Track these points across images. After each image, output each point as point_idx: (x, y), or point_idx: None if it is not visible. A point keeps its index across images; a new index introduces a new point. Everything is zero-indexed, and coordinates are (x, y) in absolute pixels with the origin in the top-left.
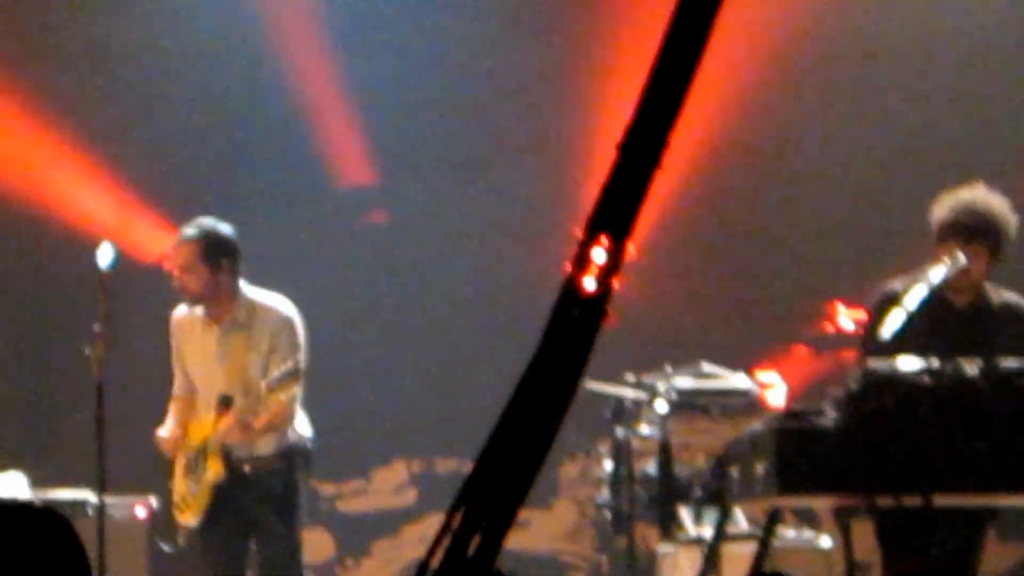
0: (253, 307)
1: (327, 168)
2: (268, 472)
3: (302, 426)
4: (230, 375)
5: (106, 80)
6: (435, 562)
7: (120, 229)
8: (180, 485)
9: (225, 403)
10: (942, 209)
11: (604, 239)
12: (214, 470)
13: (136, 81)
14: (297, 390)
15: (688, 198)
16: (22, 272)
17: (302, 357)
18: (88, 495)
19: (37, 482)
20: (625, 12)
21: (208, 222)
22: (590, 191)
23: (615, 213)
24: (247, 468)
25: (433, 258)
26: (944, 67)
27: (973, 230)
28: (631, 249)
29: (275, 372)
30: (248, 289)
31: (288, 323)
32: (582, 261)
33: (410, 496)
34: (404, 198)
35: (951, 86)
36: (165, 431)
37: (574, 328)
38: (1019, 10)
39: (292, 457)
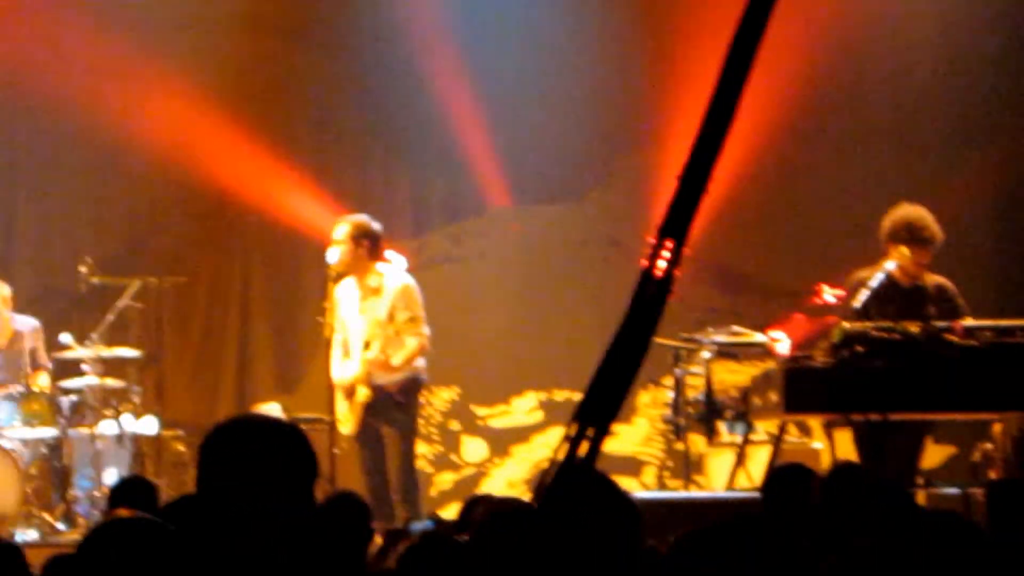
0: (382, 278)
1: (482, 191)
2: (397, 395)
3: (420, 364)
4: (369, 327)
5: (309, 120)
6: (558, 457)
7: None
8: (340, 406)
9: (368, 347)
10: (890, 222)
11: (668, 243)
12: (363, 394)
13: (331, 119)
14: (417, 337)
15: (721, 208)
16: (281, 265)
17: (419, 311)
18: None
19: (287, 408)
20: (681, 82)
21: (357, 216)
22: (658, 209)
23: (675, 225)
24: (383, 392)
25: (552, 257)
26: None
27: (912, 235)
28: (686, 250)
29: (401, 320)
30: (380, 265)
31: (406, 288)
32: (654, 257)
33: (537, 415)
34: (534, 215)
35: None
36: (332, 370)
37: (649, 302)
38: None
39: (413, 385)
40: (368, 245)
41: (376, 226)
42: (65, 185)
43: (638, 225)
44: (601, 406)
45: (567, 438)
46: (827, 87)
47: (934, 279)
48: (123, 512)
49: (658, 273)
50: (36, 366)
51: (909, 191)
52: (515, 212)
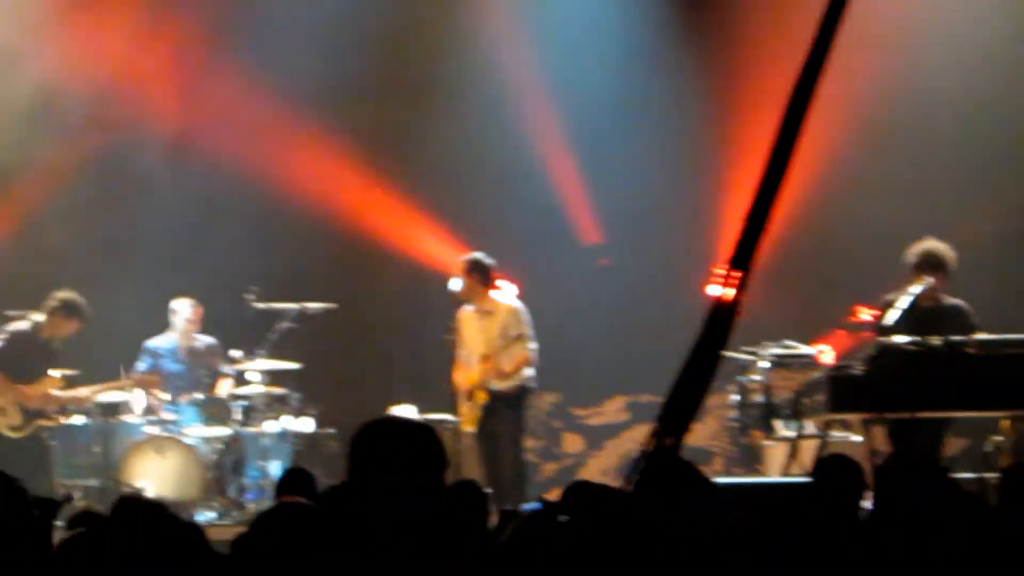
0: (495, 302)
1: (576, 230)
2: (509, 399)
3: (529, 373)
4: (485, 342)
5: (431, 173)
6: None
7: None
8: (463, 408)
9: (484, 359)
10: (915, 254)
11: (736, 273)
12: (481, 398)
13: (450, 172)
14: (526, 350)
15: (776, 244)
16: (412, 293)
17: (526, 330)
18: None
19: (419, 410)
20: (743, 140)
21: (472, 253)
22: (727, 243)
23: (742, 258)
24: (498, 396)
25: (639, 283)
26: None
27: (933, 265)
28: (749, 278)
29: (511, 336)
30: (493, 292)
31: (514, 311)
32: (725, 283)
33: (626, 415)
34: (620, 248)
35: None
36: (455, 377)
37: (720, 321)
38: None
39: (522, 391)
40: (480, 276)
41: (488, 260)
42: (235, 228)
43: (700, 257)
44: (681, 407)
45: (653, 434)
46: (862, 140)
47: (951, 301)
48: (288, 499)
49: (727, 298)
50: (217, 377)
51: (929, 228)
52: (604, 248)
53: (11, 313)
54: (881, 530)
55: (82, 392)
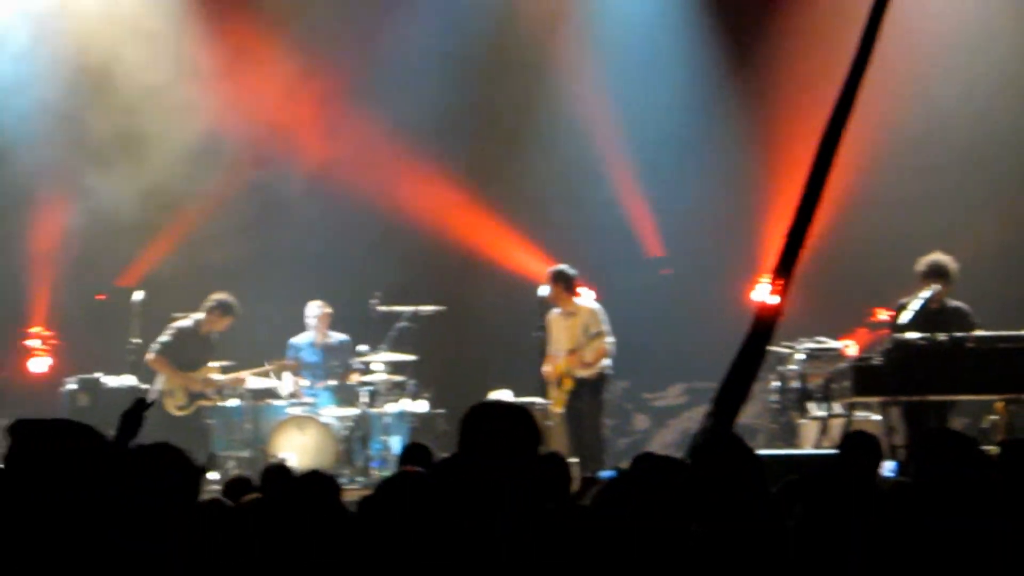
0: (577, 305)
1: (644, 245)
2: (591, 385)
3: (606, 363)
4: (570, 339)
5: (526, 198)
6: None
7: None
8: (552, 392)
9: (571, 352)
10: (922, 264)
11: (779, 281)
12: (568, 384)
13: (542, 198)
14: (604, 344)
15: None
16: (509, 298)
17: (603, 327)
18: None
19: (516, 394)
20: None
21: (558, 265)
22: (770, 256)
23: (784, 269)
24: (582, 382)
25: (695, 290)
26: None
27: (938, 274)
28: (790, 286)
29: (591, 333)
30: (576, 297)
31: (593, 312)
32: (768, 291)
33: (684, 399)
34: (678, 261)
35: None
36: (545, 367)
37: (764, 323)
38: None
39: (601, 378)
40: (564, 284)
41: (570, 271)
42: (361, 245)
43: (746, 267)
44: (733, 391)
45: (709, 414)
46: (879, 165)
47: (955, 303)
48: (408, 468)
49: (771, 303)
50: (348, 367)
51: (936, 241)
52: (665, 259)
53: (176, 315)
54: (918, 492)
55: (236, 376)
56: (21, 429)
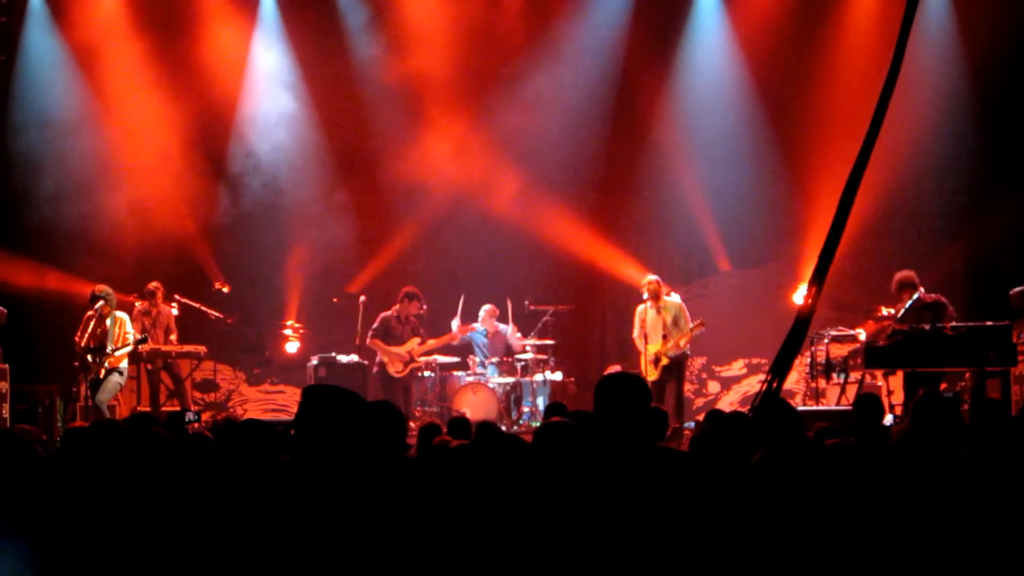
0: (666, 302)
1: (714, 260)
2: (677, 361)
3: (687, 346)
4: (663, 328)
5: (624, 216)
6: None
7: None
8: (648, 367)
9: (664, 339)
10: (894, 284)
11: (812, 288)
12: (664, 361)
13: (634, 216)
14: (687, 332)
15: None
16: (618, 298)
17: (686, 319)
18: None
19: (624, 368)
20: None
21: (652, 275)
22: (807, 268)
23: (817, 279)
24: (670, 360)
25: (753, 294)
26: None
27: (907, 287)
28: (821, 292)
29: (679, 323)
30: (666, 296)
31: (679, 307)
32: (805, 296)
33: (744, 370)
34: (742, 273)
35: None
36: (648, 349)
37: (803, 317)
38: None
39: (684, 356)
40: (654, 289)
41: (655, 277)
42: (517, 262)
43: (790, 277)
44: (782, 364)
45: (764, 381)
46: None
47: (934, 298)
48: (554, 419)
49: (807, 305)
50: (508, 348)
51: (923, 259)
52: (732, 272)
53: (386, 312)
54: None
55: (429, 344)
56: (311, 392)
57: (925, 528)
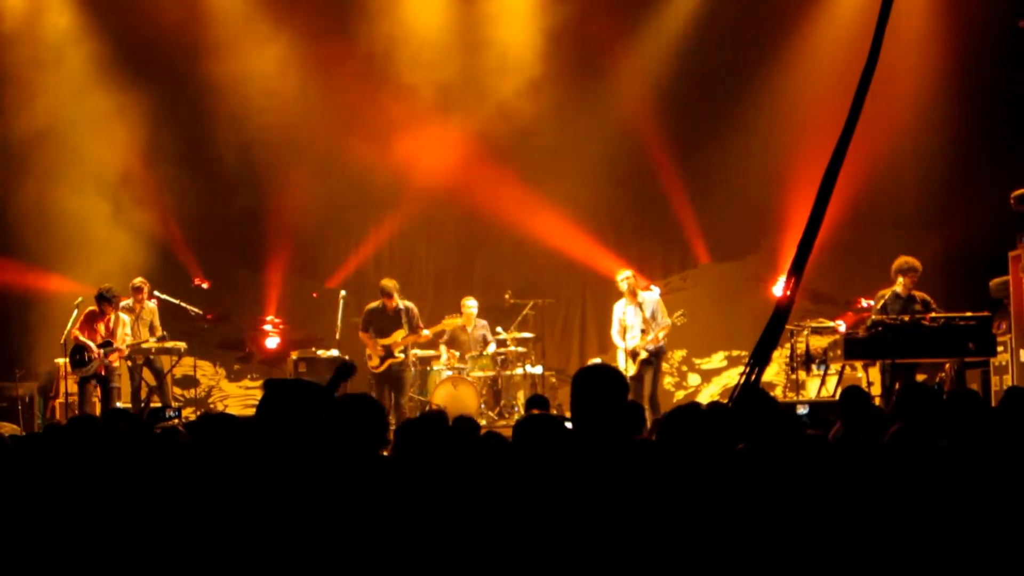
0: (642, 297)
1: (695, 254)
2: (655, 355)
3: (664, 340)
4: (640, 322)
5: (610, 220)
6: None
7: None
8: (627, 361)
9: (643, 332)
10: (895, 265)
11: (791, 280)
12: (642, 355)
13: (617, 219)
14: (665, 326)
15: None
16: (597, 292)
17: (664, 312)
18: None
19: (603, 361)
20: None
21: (625, 270)
22: (786, 260)
23: (796, 270)
24: (648, 353)
25: (732, 287)
26: None
27: (905, 272)
28: (800, 284)
29: (658, 318)
30: (643, 292)
31: (658, 301)
32: (784, 288)
33: (724, 363)
34: (721, 266)
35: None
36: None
37: (781, 309)
38: None
39: (661, 350)
40: (631, 285)
41: (629, 273)
42: (497, 256)
43: (769, 268)
44: (761, 358)
45: (743, 374)
46: (849, 191)
47: (919, 293)
48: (534, 412)
49: (786, 297)
50: (487, 342)
51: (901, 251)
52: (711, 265)
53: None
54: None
55: (407, 338)
56: (271, 385)
57: (908, 519)
